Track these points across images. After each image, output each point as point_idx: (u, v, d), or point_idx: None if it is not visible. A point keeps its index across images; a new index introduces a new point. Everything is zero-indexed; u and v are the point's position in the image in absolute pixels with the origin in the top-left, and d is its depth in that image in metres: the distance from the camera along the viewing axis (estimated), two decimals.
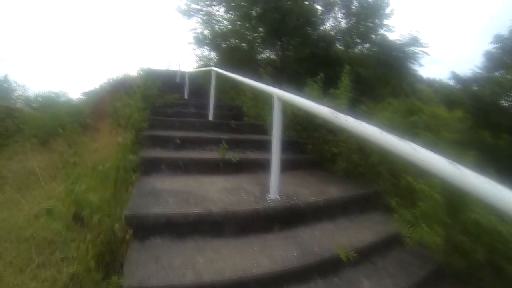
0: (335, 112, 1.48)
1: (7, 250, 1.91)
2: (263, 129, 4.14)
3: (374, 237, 1.97)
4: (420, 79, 12.47)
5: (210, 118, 4.06)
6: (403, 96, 10.63)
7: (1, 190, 3.57)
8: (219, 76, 4.10)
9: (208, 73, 4.39)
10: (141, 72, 7.97)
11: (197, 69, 7.55)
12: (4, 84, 14.08)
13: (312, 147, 3.51)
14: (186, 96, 6.28)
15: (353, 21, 10.55)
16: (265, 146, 3.30)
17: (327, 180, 2.81)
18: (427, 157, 1.00)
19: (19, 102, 13.98)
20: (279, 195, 2.13)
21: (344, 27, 10.71)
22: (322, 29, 10.90)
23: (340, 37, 10.86)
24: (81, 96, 11.59)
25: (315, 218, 2.13)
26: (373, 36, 10.48)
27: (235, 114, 4.83)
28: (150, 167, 2.58)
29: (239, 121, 4.40)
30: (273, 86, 2.32)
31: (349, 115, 1.40)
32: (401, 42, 9.92)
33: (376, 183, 2.69)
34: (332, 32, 10.88)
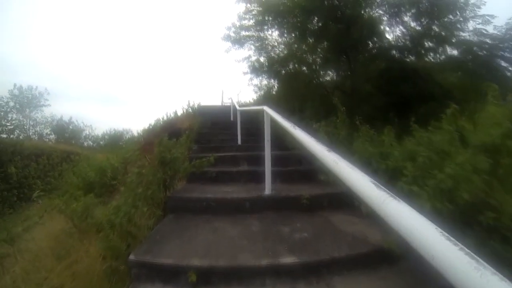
0: None
1: None
2: (350, 199, 2.46)
3: None
4: None
5: (267, 191, 2.52)
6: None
7: (17, 263, 2.75)
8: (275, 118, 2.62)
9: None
10: (190, 111, 7.20)
11: (248, 108, 6.10)
12: (70, 126, 15.15)
13: None
14: (239, 141, 4.85)
15: (425, 22, 8.08)
16: (367, 258, 1.67)
17: None
18: None
19: (87, 141, 15.01)
20: None
21: (415, 32, 8.33)
22: (391, 38, 8.74)
23: (413, 44, 8.50)
24: (141, 133, 11.68)
25: None
26: (458, 33, 7.72)
27: (305, 171, 3.24)
28: None
29: (313, 186, 2.83)
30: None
31: None
32: (497, 36, 6.79)
33: None
34: (403, 40, 8.63)
